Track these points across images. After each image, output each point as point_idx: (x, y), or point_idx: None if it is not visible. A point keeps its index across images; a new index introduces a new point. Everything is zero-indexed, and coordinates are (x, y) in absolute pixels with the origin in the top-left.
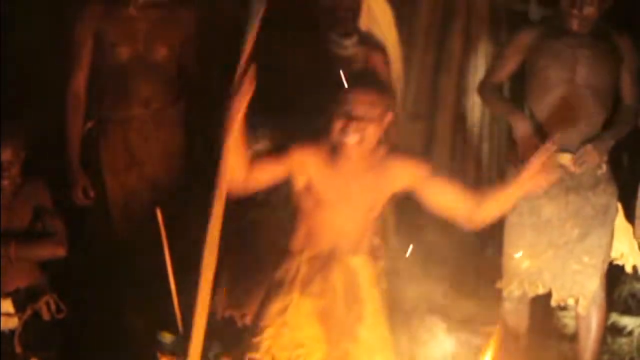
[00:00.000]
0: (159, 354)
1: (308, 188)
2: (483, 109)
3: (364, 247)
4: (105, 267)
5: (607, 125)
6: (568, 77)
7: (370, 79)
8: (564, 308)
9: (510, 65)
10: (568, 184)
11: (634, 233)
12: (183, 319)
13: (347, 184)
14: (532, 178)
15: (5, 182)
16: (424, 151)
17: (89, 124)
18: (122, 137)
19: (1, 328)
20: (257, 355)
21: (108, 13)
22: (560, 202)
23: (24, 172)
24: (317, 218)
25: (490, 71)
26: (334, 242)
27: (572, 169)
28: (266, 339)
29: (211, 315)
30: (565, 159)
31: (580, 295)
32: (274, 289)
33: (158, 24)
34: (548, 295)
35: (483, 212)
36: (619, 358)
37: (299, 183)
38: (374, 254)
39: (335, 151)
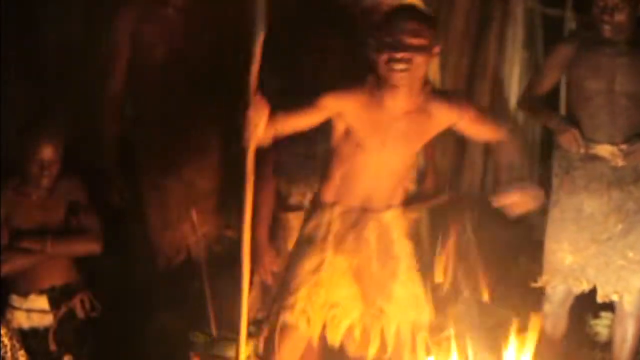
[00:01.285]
0: (191, 354)
1: (347, 133)
2: (516, 114)
3: (397, 199)
4: (139, 267)
5: None
6: (607, 86)
7: (412, 10)
8: (596, 316)
9: (549, 80)
10: (610, 179)
11: None
12: (215, 320)
13: (388, 128)
14: None
15: (45, 181)
16: (457, 156)
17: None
18: (158, 138)
19: (36, 325)
20: (291, 318)
21: (146, 14)
22: (601, 197)
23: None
24: (355, 164)
25: (529, 86)
26: (367, 194)
27: (613, 161)
28: (301, 298)
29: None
30: (606, 150)
31: (625, 292)
32: (305, 245)
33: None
34: (581, 303)
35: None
36: None
37: (339, 128)
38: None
39: (374, 95)
